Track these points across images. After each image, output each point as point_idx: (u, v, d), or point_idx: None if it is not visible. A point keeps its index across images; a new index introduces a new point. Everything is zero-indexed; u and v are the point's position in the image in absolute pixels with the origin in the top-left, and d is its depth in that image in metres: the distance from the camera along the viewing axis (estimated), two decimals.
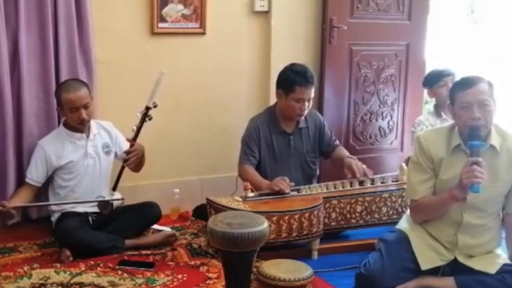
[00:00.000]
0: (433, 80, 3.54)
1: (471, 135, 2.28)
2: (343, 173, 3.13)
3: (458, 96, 2.35)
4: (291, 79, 3.06)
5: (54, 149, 2.91)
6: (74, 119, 2.87)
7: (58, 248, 2.83)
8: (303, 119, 3.22)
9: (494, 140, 2.37)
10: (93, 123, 3.00)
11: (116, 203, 2.99)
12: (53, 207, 2.95)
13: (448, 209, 2.39)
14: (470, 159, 2.23)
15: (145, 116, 2.90)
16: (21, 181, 3.01)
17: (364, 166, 3.10)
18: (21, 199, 2.85)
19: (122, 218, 2.93)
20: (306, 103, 3.08)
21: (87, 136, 2.97)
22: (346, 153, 3.29)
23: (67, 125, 2.96)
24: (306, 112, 3.12)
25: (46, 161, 2.90)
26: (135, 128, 2.89)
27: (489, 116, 2.31)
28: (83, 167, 2.95)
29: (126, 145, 2.99)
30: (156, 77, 2.90)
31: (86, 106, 2.86)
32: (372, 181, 3.13)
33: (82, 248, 2.71)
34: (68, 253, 2.71)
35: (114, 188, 2.99)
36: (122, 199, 2.99)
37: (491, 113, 2.32)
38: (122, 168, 2.97)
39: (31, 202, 2.92)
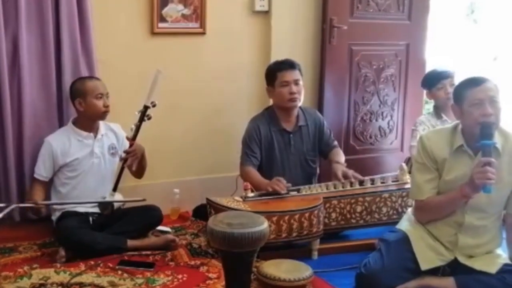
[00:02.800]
0: (431, 82, 3.51)
1: (484, 133, 2.26)
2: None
3: (467, 94, 2.33)
4: (272, 69, 3.22)
5: (61, 145, 2.92)
6: (99, 106, 2.90)
7: (58, 248, 2.81)
8: (302, 116, 3.23)
9: (497, 141, 2.36)
10: (101, 123, 3.01)
11: (116, 205, 2.99)
12: (55, 205, 2.94)
13: (457, 207, 2.39)
14: (483, 159, 2.22)
15: (144, 115, 2.91)
16: (22, 180, 3.02)
17: (350, 172, 3.10)
18: (38, 196, 2.87)
19: (123, 220, 2.92)
20: (294, 86, 3.12)
21: (95, 136, 2.98)
22: (340, 157, 3.26)
23: (76, 123, 2.97)
24: (297, 96, 3.13)
25: (53, 157, 2.91)
26: (133, 127, 2.90)
27: (498, 113, 2.31)
28: (87, 166, 2.95)
29: None
30: (153, 76, 2.90)
31: (107, 96, 2.94)
32: (372, 181, 3.14)
33: (81, 249, 2.71)
34: (62, 253, 2.72)
35: (114, 189, 3.00)
36: (143, 199, 2.92)
37: (500, 110, 2.32)
38: (122, 168, 2.98)
39: (43, 198, 2.92)
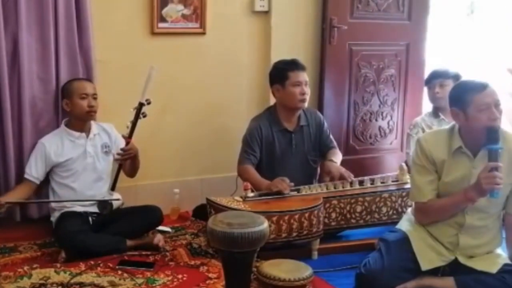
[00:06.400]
0: (426, 82, 3.57)
1: (490, 138, 2.26)
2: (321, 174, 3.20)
3: (474, 98, 2.30)
4: (282, 68, 3.18)
5: (54, 146, 2.93)
6: (84, 106, 2.90)
7: (58, 248, 2.82)
8: (303, 116, 3.24)
9: None
10: (93, 124, 3.02)
11: (115, 204, 2.99)
12: (53, 205, 2.95)
13: (459, 210, 2.39)
14: (490, 164, 2.22)
15: (139, 112, 2.92)
16: (22, 179, 3.00)
17: (343, 169, 3.13)
18: (17, 195, 2.86)
19: (123, 220, 2.92)
20: (304, 87, 3.13)
21: (87, 136, 2.98)
22: (336, 157, 3.27)
23: (69, 125, 2.98)
24: (307, 97, 3.15)
25: (45, 158, 2.91)
26: (129, 124, 2.91)
27: (501, 116, 2.32)
28: (81, 165, 2.96)
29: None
30: (147, 73, 2.91)
31: (94, 97, 2.94)
32: (372, 181, 3.14)
33: (82, 252, 2.71)
34: (63, 255, 2.72)
35: (112, 188, 3.00)
36: (118, 199, 2.99)
37: (501, 113, 2.32)
38: (119, 167, 2.98)
39: (22, 198, 2.90)
